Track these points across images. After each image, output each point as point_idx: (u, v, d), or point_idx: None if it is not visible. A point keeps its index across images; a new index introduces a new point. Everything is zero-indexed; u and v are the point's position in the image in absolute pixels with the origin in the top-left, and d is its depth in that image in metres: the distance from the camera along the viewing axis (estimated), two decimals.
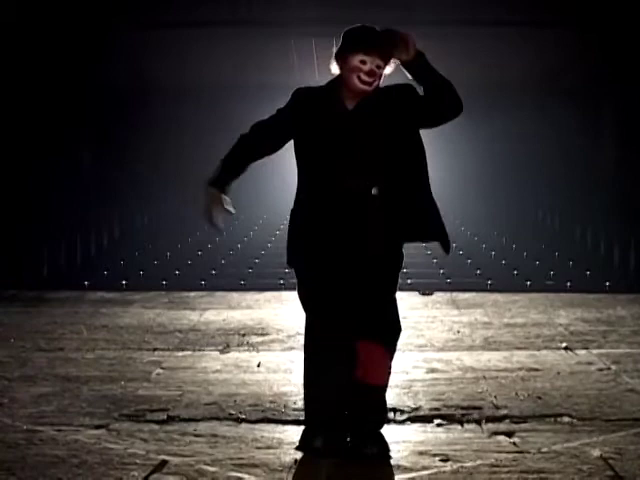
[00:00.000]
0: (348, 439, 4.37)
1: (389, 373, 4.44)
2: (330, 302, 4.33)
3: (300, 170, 4.40)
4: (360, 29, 4.32)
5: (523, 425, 4.82)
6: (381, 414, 4.46)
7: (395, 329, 4.41)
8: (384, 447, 4.32)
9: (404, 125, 4.33)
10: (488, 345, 6.88)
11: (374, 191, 4.30)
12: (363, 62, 4.23)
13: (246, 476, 4.07)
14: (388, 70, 4.34)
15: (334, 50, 4.35)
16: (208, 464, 4.20)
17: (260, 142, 4.43)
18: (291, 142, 4.43)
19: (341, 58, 4.30)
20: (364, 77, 4.24)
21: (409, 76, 4.33)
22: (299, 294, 4.44)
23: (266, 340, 7.09)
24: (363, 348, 4.32)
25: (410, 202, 4.35)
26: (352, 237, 4.31)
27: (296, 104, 4.38)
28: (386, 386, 4.44)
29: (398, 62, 4.30)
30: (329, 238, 4.32)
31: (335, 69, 4.35)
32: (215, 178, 4.36)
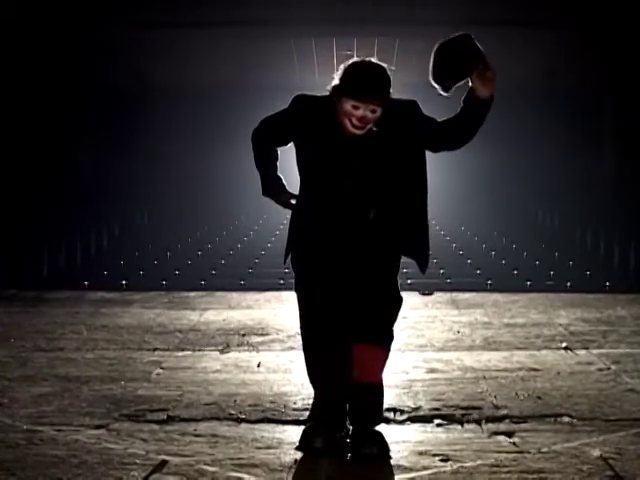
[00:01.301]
0: (348, 439, 4.38)
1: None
2: (327, 304, 4.35)
3: (300, 177, 4.42)
4: (358, 74, 4.13)
5: (523, 425, 4.82)
6: (379, 413, 4.47)
7: (390, 329, 4.43)
8: (384, 447, 4.32)
9: (407, 144, 4.27)
10: (488, 345, 6.87)
11: (372, 214, 4.30)
12: (356, 107, 4.11)
13: (246, 476, 4.07)
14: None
15: (334, 80, 4.19)
16: (208, 464, 4.20)
17: (273, 140, 4.45)
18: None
19: (336, 94, 4.17)
20: (355, 122, 4.12)
21: (461, 102, 4.19)
22: (297, 294, 4.46)
23: (266, 340, 7.08)
24: (358, 348, 4.34)
25: (404, 223, 4.34)
26: (348, 251, 4.32)
27: (296, 114, 4.32)
28: (382, 384, 4.45)
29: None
30: (326, 246, 4.34)
31: (330, 88, 4.23)
32: (268, 186, 4.45)
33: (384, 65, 4.22)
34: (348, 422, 4.42)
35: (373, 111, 4.12)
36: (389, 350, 4.45)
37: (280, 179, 4.47)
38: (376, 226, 4.31)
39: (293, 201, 4.45)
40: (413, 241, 4.39)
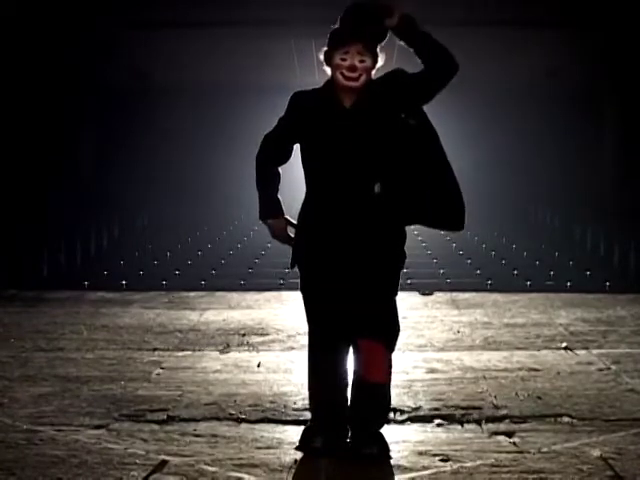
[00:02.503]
0: (348, 439, 4.38)
1: (390, 373, 4.44)
2: (331, 302, 4.33)
3: (305, 172, 4.41)
4: (337, 28, 4.28)
5: (523, 425, 4.82)
6: (383, 413, 4.46)
7: (394, 329, 4.42)
8: (384, 447, 4.32)
9: (405, 111, 4.29)
10: (488, 345, 6.87)
11: (377, 189, 4.29)
12: (343, 59, 4.22)
13: (246, 476, 4.07)
14: (380, 62, 4.32)
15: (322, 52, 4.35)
16: (208, 464, 4.20)
17: (276, 158, 4.45)
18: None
19: (327, 59, 4.30)
20: (346, 73, 4.21)
21: (402, 44, 4.28)
22: (302, 293, 4.45)
23: (266, 340, 7.08)
24: (363, 347, 4.33)
25: (418, 190, 4.31)
26: (354, 236, 4.30)
27: (294, 108, 4.37)
28: (387, 385, 4.43)
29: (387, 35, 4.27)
30: (331, 237, 4.31)
31: (328, 70, 4.34)
32: (263, 210, 4.44)
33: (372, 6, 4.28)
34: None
35: (361, 60, 4.23)
36: (391, 348, 4.40)
37: (278, 202, 4.44)
38: (382, 201, 4.29)
39: (292, 234, 4.43)
40: (437, 205, 4.36)
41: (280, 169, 4.47)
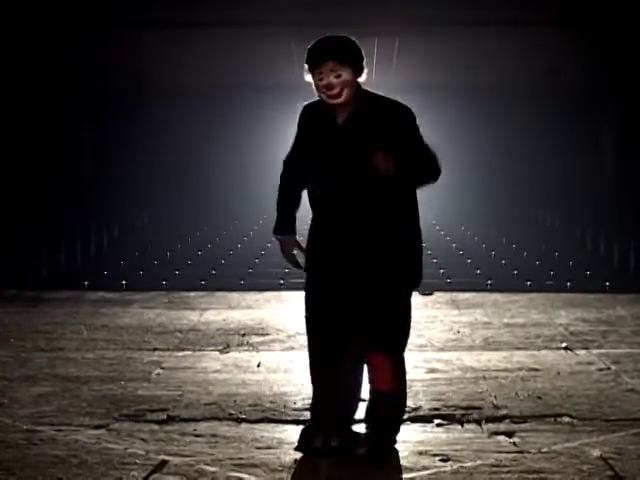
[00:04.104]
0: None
1: (400, 380, 4.37)
2: (332, 309, 4.33)
3: (307, 187, 4.46)
4: (310, 47, 4.27)
5: (523, 425, 4.82)
6: (391, 422, 4.42)
7: (400, 339, 4.37)
8: (374, 448, 4.30)
9: (385, 143, 4.22)
10: (488, 345, 6.87)
11: (364, 208, 4.28)
12: (320, 79, 4.22)
13: (246, 476, 4.07)
14: (363, 77, 4.29)
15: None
16: (208, 464, 4.20)
17: (297, 178, 4.49)
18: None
19: (308, 81, 4.31)
20: (327, 92, 4.22)
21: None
22: (305, 303, 4.47)
23: (266, 340, 7.08)
24: (368, 356, 4.34)
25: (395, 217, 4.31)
26: (349, 251, 4.30)
27: (301, 121, 4.43)
28: (397, 391, 4.37)
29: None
30: (329, 251, 4.34)
31: (315, 92, 4.35)
32: (278, 227, 4.53)
33: (343, 35, 4.31)
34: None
35: (337, 76, 4.21)
36: (397, 356, 4.35)
37: (291, 222, 4.52)
38: (370, 220, 4.28)
39: (301, 259, 4.48)
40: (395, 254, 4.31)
41: (301, 189, 4.50)
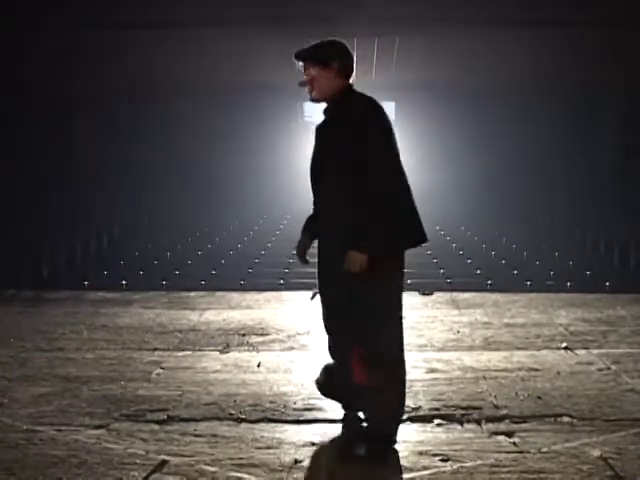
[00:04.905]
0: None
1: (379, 375, 4.35)
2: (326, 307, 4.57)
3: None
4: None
5: (523, 425, 4.82)
6: (372, 417, 4.42)
7: (371, 330, 4.36)
8: (374, 449, 4.31)
9: (345, 137, 4.36)
10: (488, 345, 6.87)
11: (334, 206, 4.44)
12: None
13: (246, 476, 4.07)
14: (335, 65, 4.43)
15: None
16: (208, 464, 4.20)
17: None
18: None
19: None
20: (306, 90, 4.53)
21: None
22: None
23: (266, 340, 7.08)
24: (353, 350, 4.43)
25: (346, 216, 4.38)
26: (331, 254, 4.44)
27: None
28: (374, 386, 4.34)
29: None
30: (320, 250, 4.55)
31: None
32: (306, 228, 4.69)
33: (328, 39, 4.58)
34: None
35: (307, 74, 4.50)
36: (370, 350, 4.33)
37: (310, 226, 4.65)
38: (338, 217, 4.41)
39: (309, 257, 4.64)
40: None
41: None
